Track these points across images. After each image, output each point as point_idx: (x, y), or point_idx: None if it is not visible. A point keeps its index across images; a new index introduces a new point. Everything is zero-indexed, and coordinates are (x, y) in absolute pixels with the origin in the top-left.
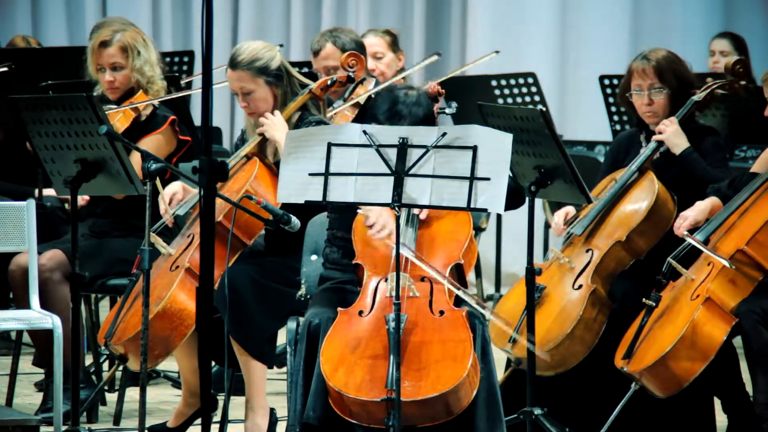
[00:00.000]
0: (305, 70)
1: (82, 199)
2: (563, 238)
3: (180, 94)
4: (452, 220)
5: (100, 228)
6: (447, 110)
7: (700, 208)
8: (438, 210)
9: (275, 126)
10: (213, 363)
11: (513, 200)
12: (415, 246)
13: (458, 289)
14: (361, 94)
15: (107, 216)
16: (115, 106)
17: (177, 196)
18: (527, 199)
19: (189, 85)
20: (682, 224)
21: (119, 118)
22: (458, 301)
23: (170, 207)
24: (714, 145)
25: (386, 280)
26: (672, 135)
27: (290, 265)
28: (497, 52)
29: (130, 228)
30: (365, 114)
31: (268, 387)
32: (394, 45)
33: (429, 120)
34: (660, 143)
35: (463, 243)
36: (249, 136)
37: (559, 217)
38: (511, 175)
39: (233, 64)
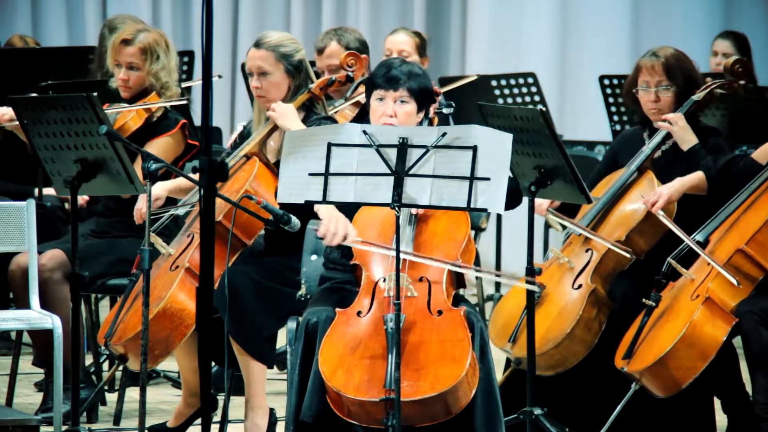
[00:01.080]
0: None
1: (82, 200)
2: (563, 237)
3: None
4: (450, 219)
5: (101, 228)
6: (444, 110)
7: (675, 186)
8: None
9: (286, 116)
10: (213, 363)
11: (510, 199)
12: (413, 246)
13: (460, 267)
14: (362, 93)
15: (107, 216)
16: (127, 105)
17: (158, 202)
18: (528, 199)
19: (188, 90)
20: (656, 201)
21: (132, 117)
22: (456, 301)
23: (144, 210)
24: (717, 146)
25: (384, 280)
26: (681, 130)
27: (290, 265)
28: (478, 75)
29: (130, 228)
30: (367, 112)
31: (268, 387)
32: (422, 48)
33: (429, 94)
34: (667, 135)
35: (461, 242)
36: (254, 129)
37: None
38: (510, 175)
39: (259, 44)
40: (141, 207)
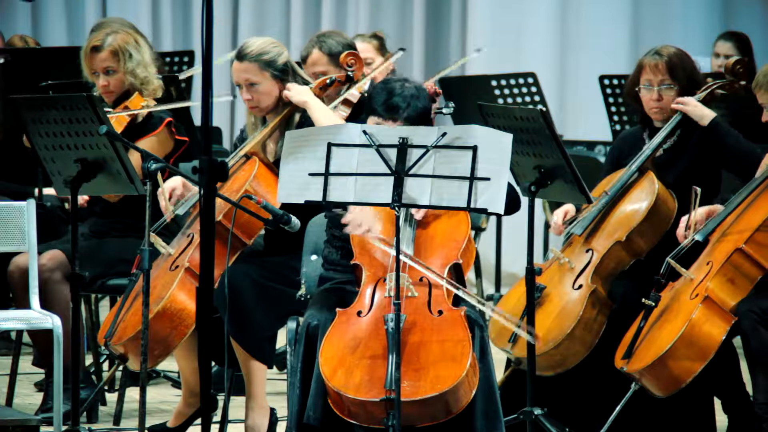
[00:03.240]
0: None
1: (82, 199)
2: (563, 237)
3: (177, 105)
4: (450, 220)
5: (100, 228)
6: (444, 110)
7: (700, 211)
8: (436, 210)
9: (301, 91)
10: (213, 363)
11: (508, 207)
12: (413, 246)
13: (457, 288)
14: (355, 91)
15: (107, 216)
16: (111, 110)
17: (176, 191)
18: (528, 199)
19: (188, 90)
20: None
21: (114, 123)
22: (457, 301)
23: (170, 203)
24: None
25: (384, 280)
26: (695, 108)
27: (290, 265)
28: (478, 50)
29: (130, 228)
30: (361, 111)
31: (268, 387)
32: (382, 49)
33: (427, 114)
34: (669, 134)
35: (461, 243)
36: (249, 134)
37: (558, 216)
38: (508, 182)
39: (240, 56)
40: (164, 204)
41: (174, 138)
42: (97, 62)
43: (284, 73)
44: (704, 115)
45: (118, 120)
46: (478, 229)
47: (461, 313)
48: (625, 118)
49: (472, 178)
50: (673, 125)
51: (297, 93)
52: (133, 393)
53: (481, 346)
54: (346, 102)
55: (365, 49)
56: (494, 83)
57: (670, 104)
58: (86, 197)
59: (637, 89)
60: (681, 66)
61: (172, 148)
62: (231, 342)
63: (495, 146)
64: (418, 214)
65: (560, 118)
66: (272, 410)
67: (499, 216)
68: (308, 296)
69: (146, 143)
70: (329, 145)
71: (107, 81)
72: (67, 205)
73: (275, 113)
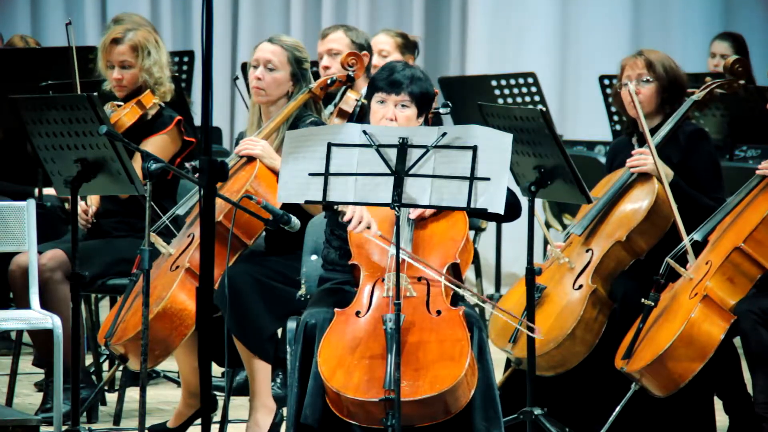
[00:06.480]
0: None
1: (95, 204)
2: (563, 237)
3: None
4: (448, 220)
5: (101, 228)
6: (441, 110)
7: (661, 169)
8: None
9: (271, 155)
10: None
11: (508, 213)
12: (411, 246)
13: (457, 286)
14: (350, 100)
15: (108, 216)
16: (122, 103)
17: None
18: (528, 199)
19: (188, 91)
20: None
21: (126, 113)
22: (455, 300)
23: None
24: (711, 164)
25: (382, 280)
26: (654, 168)
27: (290, 265)
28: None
29: (130, 228)
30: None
31: None
32: (404, 48)
33: (430, 99)
34: (673, 126)
35: (459, 242)
36: (249, 133)
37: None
38: (509, 188)
39: (273, 40)
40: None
41: (182, 138)
42: (114, 55)
43: (302, 75)
44: (664, 175)
45: (132, 111)
46: (478, 230)
47: (460, 313)
48: (624, 118)
49: (472, 178)
50: (667, 129)
51: (267, 156)
52: (133, 393)
53: (480, 345)
54: (341, 113)
55: (385, 41)
56: (494, 83)
57: (647, 99)
58: (96, 204)
59: (617, 87)
60: (660, 62)
61: (179, 148)
62: (233, 341)
63: (495, 146)
64: (413, 214)
65: (560, 118)
66: (278, 410)
67: (499, 223)
68: (308, 296)
69: (156, 141)
70: (329, 145)
71: (121, 75)
72: (67, 205)
73: (276, 109)
